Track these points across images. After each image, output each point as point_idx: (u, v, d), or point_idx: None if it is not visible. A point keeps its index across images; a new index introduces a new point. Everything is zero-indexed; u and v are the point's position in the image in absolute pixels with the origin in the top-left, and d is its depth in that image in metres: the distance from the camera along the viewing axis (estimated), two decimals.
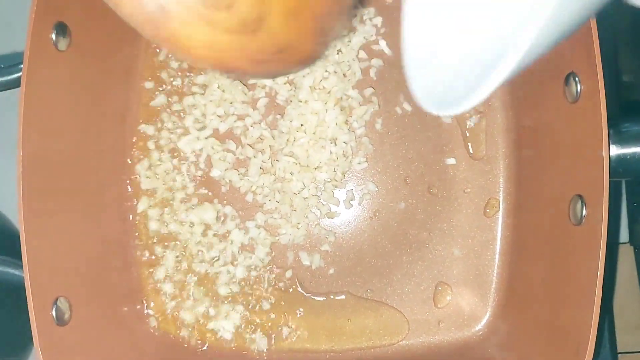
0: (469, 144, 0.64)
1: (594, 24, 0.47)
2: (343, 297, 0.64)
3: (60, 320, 0.52)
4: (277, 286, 0.64)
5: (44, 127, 0.53)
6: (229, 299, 0.64)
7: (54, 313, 0.52)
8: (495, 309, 0.63)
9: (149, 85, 0.65)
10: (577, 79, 0.50)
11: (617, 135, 0.50)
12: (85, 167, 0.59)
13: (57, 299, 0.52)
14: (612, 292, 0.72)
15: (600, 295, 0.47)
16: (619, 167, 0.50)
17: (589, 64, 0.48)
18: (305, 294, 0.64)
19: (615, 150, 0.50)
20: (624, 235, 0.71)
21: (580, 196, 0.50)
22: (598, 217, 0.47)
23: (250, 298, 0.64)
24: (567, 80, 0.51)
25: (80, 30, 0.56)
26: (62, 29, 0.54)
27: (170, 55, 0.65)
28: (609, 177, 0.47)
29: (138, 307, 0.63)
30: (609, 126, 0.48)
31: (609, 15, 0.71)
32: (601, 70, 0.47)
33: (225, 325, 0.62)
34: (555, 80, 0.53)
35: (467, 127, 0.64)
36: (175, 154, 0.65)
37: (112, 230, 0.63)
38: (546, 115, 0.57)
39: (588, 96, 0.49)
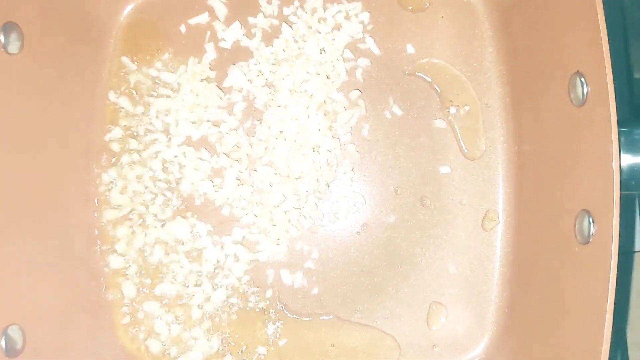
0: (462, 145, 0.59)
1: (601, 17, 0.42)
2: (327, 318, 0.59)
3: (10, 351, 0.48)
4: (255, 307, 0.59)
5: None
6: (201, 322, 0.59)
7: (3, 343, 0.47)
8: (494, 332, 0.58)
9: (114, 91, 0.61)
10: (583, 79, 0.45)
11: (630, 143, 0.45)
12: (44, 181, 0.55)
13: (7, 327, 0.48)
14: (626, 305, 0.67)
15: (611, 323, 0.42)
16: (631, 179, 0.45)
17: (596, 62, 0.43)
18: (286, 314, 0.59)
19: (627, 160, 0.45)
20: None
21: (587, 211, 0.45)
22: (608, 236, 0.42)
23: (225, 321, 0.59)
24: (572, 81, 0.46)
25: (33, 32, 0.52)
26: (12, 30, 0.50)
27: (137, 59, 0.61)
28: (620, 191, 0.42)
29: (103, 336, 0.58)
30: (620, 133, 0.43)
31: (618, 5, 0.66)
32: (610, 69, 0.42)
33: (195, 356, 0.58)
34: (558, 81, 0.48)
35: (461, 126, 0.59)
36: (144, 165, 0.60)
37: (75, 249, 0.58)
38: (549, 120, 0.52)
39: (596, 99, 0.44)
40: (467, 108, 0.59)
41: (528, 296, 0.55)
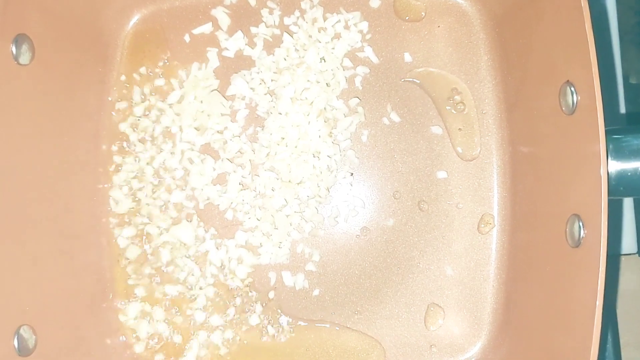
0: (458, 148, 0.61)
1: (589, 28, 0.43)
2: (328, 319, 0.61)
3: (23, 351, 0.49)
4: (257, 308, 0.61)
5: (4, 145, 0.50)
6: (205, 324, 0.60)
7: (15, 343, 0.49)
8: (490, 332, 0.60)
9: (122, 100, 0.63)
10: (573, 88, 0.46)
11: (618, 149, 0.46)
12: (53, 188, 0.56)
13: (19, 328, 0.49)
14: (614, 307, 0.68)
15: (600, 321, 0.43)
16: (619, 185, 0.46)
17: (585, 72, 0.44)
18: (287, 317, 0.61)
19: (615, 166, 0.46)
20: (631, 245, 0.67)
21: (577, 216, 0.46)
22: (596, 240, 0.43)
23: (228, 323, 0.60)
24: (562, 90, 0.47)
25: (44, 44, 0.53)
26: (23, 41, 0.51)
27: (143, 68, 0.63)
28: (608, 196, 0.43)
29: (109, 339, 0.60)
30: (609, 140, 0.44)
31: (612, 12, 0.67)
32: (598, 78, 0.43)
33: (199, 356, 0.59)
34: (550, 90, 0.49)
35: (457, 128, 0.61)
36: (151, 172, 0.61)
37: (84, 253, 0.59)
38: (541, 127, 0.53)
39: (585, 107, 0.45)
40: (461, 108, 0.61)
41: (522, 298, 0.56)
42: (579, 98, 0.46)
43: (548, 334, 0.51)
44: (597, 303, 0.43)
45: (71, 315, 0.56)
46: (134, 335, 0.60)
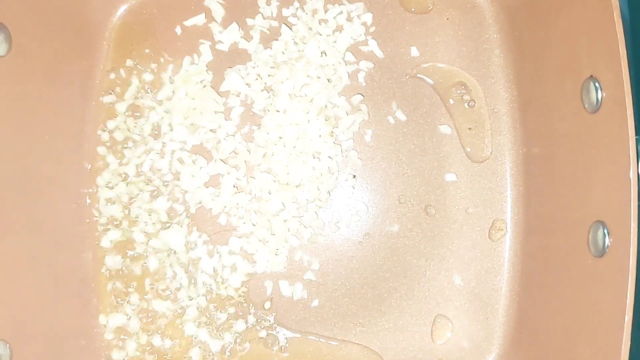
0: (467, 147, 0.57)
1: (618, 18, 0.40)
2: (327, 336, 0.57)
3: None
4: (252, 320, 0.57)
5: None
6: (196, 337, 0.56)
7: None
8: (502, 347, 0.56)
9: (107, 94, 0.59)
10: (597, 84, 0.43)
11: None
12: (32, 190, 0.52)
13: None
14: None
15: (629, 339, 0.40)
16: None
17: (612, 66, 0.41)
18: (284, 329, 0.57)
19: None
20: None
21: (602, 222, 0.43)
22: (624, 249, 0.40)
23: (221, 335, 0.57)
24: (585, 86, 0.44)
25: (22, 34, 0.50)
26: None
27: (130, 62, 0.59)
28: (638, 201, 0.40)
29: (90, 351, 0.56)
30: (637, 140, 0.40)
31: (634, 6, 0.64)
32: (627, 73, 0.40)
33: None
34: (570, 86, 0.47)
35: (466, 128, 0.58)
36: (138, 173, 0.58)
37: (65, 261, 0.55)
38: (559, 127, 0.50)
39: (611, 104, 0.42)
40: (472, 106, 0.58)
41: (537, 310, 0.53)
42: (605, 94, 0.43)
43: (566, 351, 0.48)
44: (626, 319, 0.40)
45: (49, 328, 0.52)
46: (119, 345, 0.56)
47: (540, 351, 0.51)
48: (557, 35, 0.49)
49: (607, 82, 0.42)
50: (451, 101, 0.57)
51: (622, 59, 0.40)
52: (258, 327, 0.57)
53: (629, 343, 0.40)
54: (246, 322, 0.57)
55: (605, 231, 0.43)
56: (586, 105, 0.45)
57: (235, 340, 0.57)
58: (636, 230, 0.39)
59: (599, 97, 0.43)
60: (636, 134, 0.40)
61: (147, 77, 0.59)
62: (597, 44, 0.43)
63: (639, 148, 0.41)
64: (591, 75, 0.44)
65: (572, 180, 0.48)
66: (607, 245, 0.42)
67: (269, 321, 0.57)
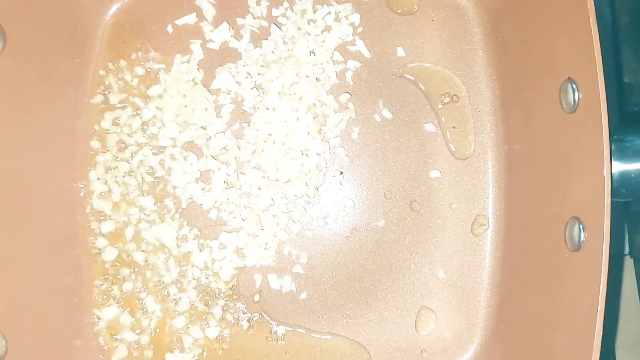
0: (451, 145, 0.59)
1: (594, 23, 0.41)
2: (315, 328, 0.58)
3: None
4: (241, 313, 0.58)
5: None
6: (187, 327, 0.58)
7: None
8: (484, 337, 0.58)
9: (99, 92, 0.60)
10: (574, 85, 0.44)
11: (620, 150, 0.45)
12: (26, 186, 0.53)
13: None
14: (617, 310, 0.67)
15: (601, 329, 0.42)
16: (621, 186, 0.44)
17: (588, 69, 0.42)
18: (273, 321, 0.58)
19: (617, 167, 0.44)
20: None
21: (577, 218, 0.45)
22: (598, 244, 0.42)
23: (211, 327, 0.58)
24: (563, 87, 0.46)
25: (16, 32, 0.50)
26: None
27: (122, 60, 0.60)
28: (611, 198, 0.41)
29: (85, 344, 0.57)
30: (611, 140, 0.42)
31: (608, 9, 0.66)
32: (602, 76, 0.41)
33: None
34: (550, 87, 0.48)
35: (451, 126, 0.59)
36: (130, 167, 0.59)
37: (60, 254, 0.56)
38: (539, 126, 0.52)
39: (587, 105, 0.43)
40: (456, 105, 0.59)
41: (517, 302, 0.55)
42: (581, 95, 0.44)
43: (544, 340, 0.50)
44: (599, 309, 0.41)
45: (44, 320, 0.53)
46: (115, 337, 0.57)
47: (520, 341, 0.53)
48: (537, 38, 0.51)
49: (584, 84, 0.43)
50: (441, 105, 0.59)
51: (598, 62, 0.41)
52: (246, 320, 0.58)
53: (602, 332, 0.41)
54: (235, 315, 0.58)
55: (581, 227, 0.44)
56: (564, 106, 0.46)
57: (224, 332, 0.58)
58: (609, 226, 0.41)
59: (576, 98, 0.44)
60: (612, 134, 0.42)
61: (139, 74, 0.60)
62: (574, 47, 0.44)
63: (612, 147, 0.43)
64: (569, 77, 0.45)
65: (550, 177, 0.50)
66: (583, 240, 0.44)
67: (258, 313, 0.58)
